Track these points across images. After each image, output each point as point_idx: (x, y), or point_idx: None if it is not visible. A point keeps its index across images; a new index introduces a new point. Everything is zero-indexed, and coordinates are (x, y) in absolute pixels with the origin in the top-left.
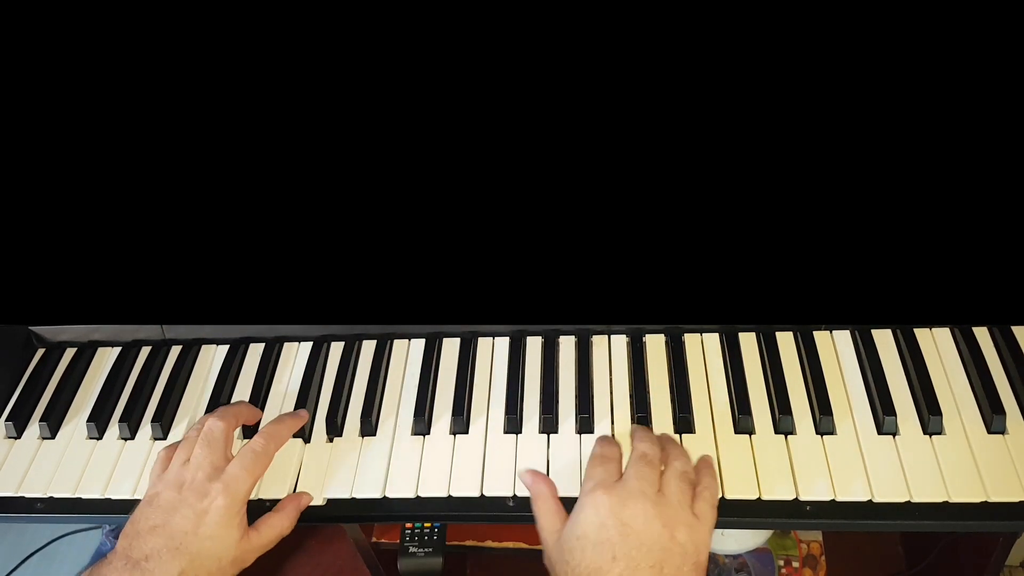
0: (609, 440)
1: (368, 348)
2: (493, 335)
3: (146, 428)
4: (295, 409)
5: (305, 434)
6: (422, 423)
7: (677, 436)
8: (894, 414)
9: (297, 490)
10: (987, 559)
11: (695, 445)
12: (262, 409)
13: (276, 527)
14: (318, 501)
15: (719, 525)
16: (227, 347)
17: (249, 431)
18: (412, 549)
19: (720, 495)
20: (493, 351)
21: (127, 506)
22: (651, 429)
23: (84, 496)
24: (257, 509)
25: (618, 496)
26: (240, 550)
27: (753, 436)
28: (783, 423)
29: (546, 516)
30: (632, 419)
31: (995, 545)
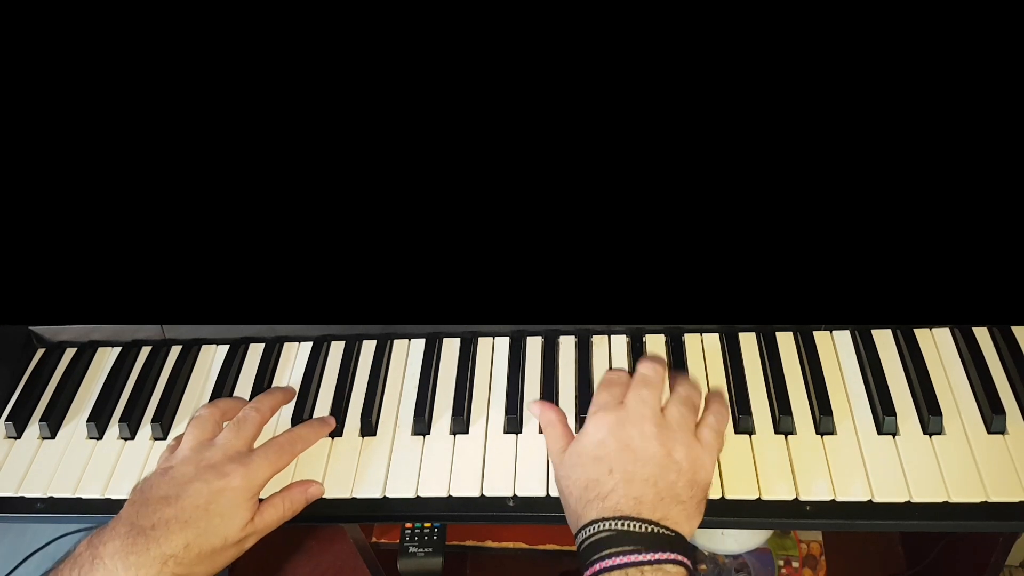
0: (616, 369)
1: (368, 348)
2: (493, 335)
3: (146, 428)
4: (295, 409)
5: None
6: (422, 423)
7: None
8: (894, 414)
9: None
10: (987, 559)
11: None
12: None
13: (279, 508)
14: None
15: (719, 525)
16: (227, 347)
17: None
18: (412, 549)
19: (723, 447)
20: (493, 351)
21: None
22: (659, 357)
23: (84, 496)
24: None
25: (618, 417)
26: (244, 532)
27: (753, 436)
28: (783, 423)
29: (554, 440)
30: None
31: (995, 545)
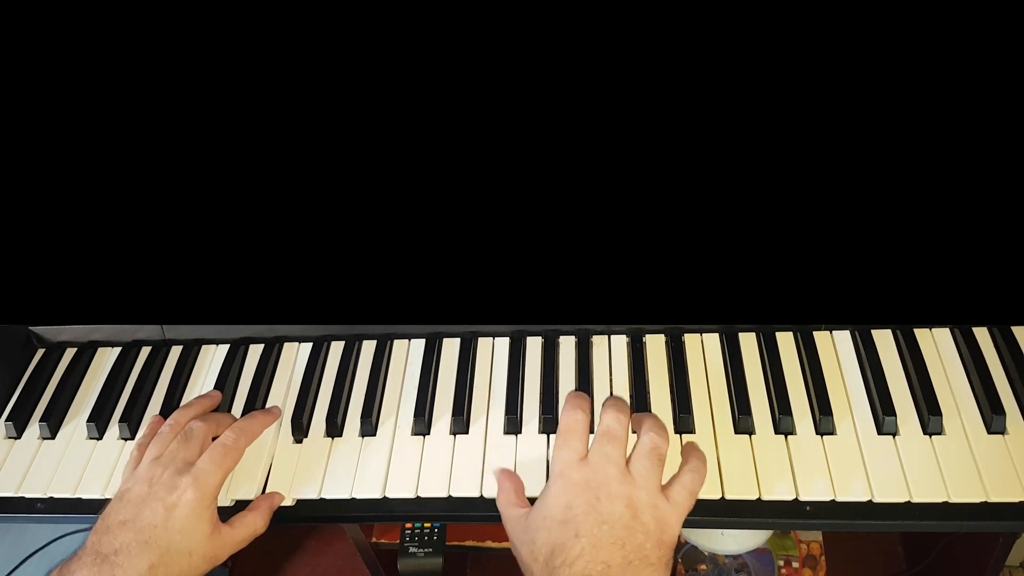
0: (572, 410)
1: (368, 348)
2: (493, 335)
3: (146, 428)
4: (295, 410)
5: (305, 434)
6: (422, 423)
7: (677, 436)
8: (894, 414)
9: (297, 490)
10: (987, 559)
11: None
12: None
13: (250, 525)
14: (288, 502)
15: (719, 525)
16: (227, 347)
17: None
18: (412, 549)
19: (705, 485)
20: (493, 351)
21: None
22: (622, 400)
23: (84, 496)
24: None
25: (582, 476)
26: (212, 546)
27: (753, 436)
28: (783, 423)
29: (507, 506)
30: None
31: (995, 545)
